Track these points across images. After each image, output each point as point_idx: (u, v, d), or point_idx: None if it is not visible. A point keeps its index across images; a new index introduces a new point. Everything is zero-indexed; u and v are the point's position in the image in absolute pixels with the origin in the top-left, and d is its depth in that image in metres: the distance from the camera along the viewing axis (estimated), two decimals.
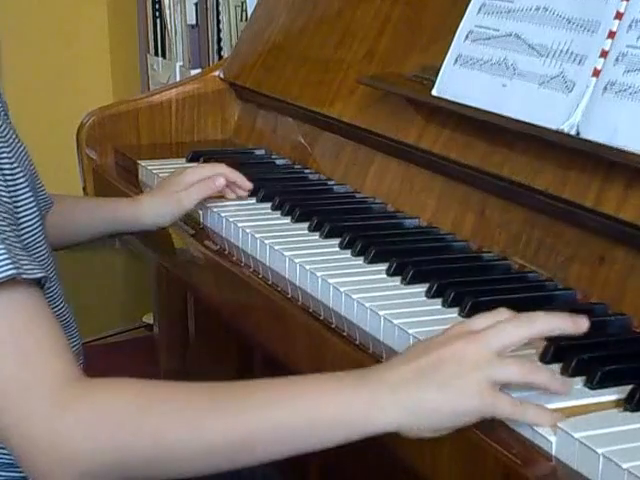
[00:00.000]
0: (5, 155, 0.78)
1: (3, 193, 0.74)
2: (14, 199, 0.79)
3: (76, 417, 0.66)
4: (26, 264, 0.70)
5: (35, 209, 0.83)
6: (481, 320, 0.71)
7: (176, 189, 1.15)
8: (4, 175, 0.77)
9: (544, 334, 0.71)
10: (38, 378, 0.67)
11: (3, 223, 0.71)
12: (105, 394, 0.68)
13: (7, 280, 0.68)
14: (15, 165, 0.80)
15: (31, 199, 0.82)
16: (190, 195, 1.15)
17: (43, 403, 0.67)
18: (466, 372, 0.67)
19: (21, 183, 0.81)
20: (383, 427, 0.67)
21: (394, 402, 0.66)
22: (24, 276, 0.69)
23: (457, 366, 0.67)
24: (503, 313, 0.72)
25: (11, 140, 0.82)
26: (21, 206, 0.80)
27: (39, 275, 0.70)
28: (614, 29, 0.93)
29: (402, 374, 0.67)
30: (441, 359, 0.67)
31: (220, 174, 1.16)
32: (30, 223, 0.82)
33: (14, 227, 0.73)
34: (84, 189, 1.55)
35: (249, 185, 1.19)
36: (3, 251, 0.69)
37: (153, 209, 1.15)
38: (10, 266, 0.68)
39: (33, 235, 0.83)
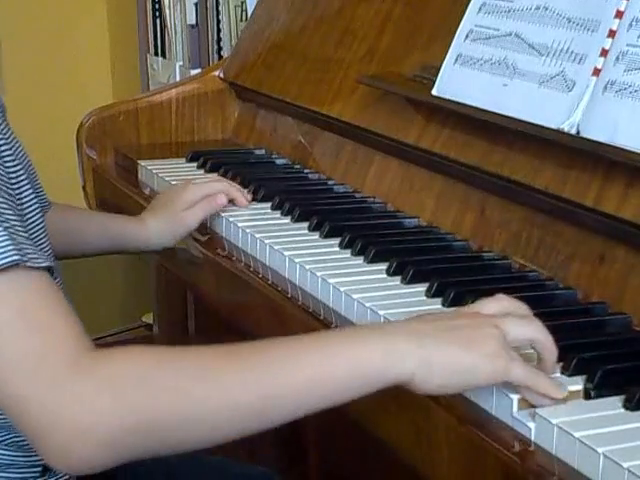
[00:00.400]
0: (8, 154, 0.79)
1: (9, 187, 0.75)
2: (18, 197, 0.79)
3: (95, 383, 0.65)
4: (30, 253, 0.70)
5: (37, 207, 0.84)
6: (489, 305, 0.73)
7: (179, 208, 1.14)
8: (8, 173, 0.77)
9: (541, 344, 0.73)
10: (53, 348, 0.66)
11: (9, 212, 0.72)
12: (122, 358, 0.67)
13: (12, 266, 0.68)
14: (17, 163, 0.81)
15: (33, 197, 0.83)
16: (194, 215, 1.14)
17: (61, 372, 0.65)
18: (483, 335, 0.69)
19: (22, 180, 0.82)
20: (397, 375, 0.67)
21: (410, 351, 0.67)
22: (28, 264, 0.69)
23: (474, 330, 0.69)
24: (503, 299, 0.74)
25: (10, 139, 0.82)
26: (24, 203, 0.81)
27: (44, 264, 0.71)
28: (614, 28, 0.93)
29: (420, 328, 0.69)
30: (458, 324, 0.70)
31: (220, 191, 1.16)
32: (33, 220, 0.83)
33: (21, 219, 0.74)
34: (84, 188, 1.55)
35: (247, 201, 1.19)
36: (5, 238, 0.69)
37: (158, 230, 1.14)
38: (13, 252, 0.69)
39: (36, 232, 0.83)
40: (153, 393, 0.65)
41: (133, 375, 0.66)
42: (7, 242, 0.69)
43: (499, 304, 0.74)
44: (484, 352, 0.68)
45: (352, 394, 0.67)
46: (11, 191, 0.76)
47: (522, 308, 0.75)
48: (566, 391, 0.71)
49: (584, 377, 0.74)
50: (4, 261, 0.68)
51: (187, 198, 1.15)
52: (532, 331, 0.72)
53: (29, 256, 0.70)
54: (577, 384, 0.74)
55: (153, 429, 0.65)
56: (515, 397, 0.71)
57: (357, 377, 0.67)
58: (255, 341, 0.68)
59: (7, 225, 0.70)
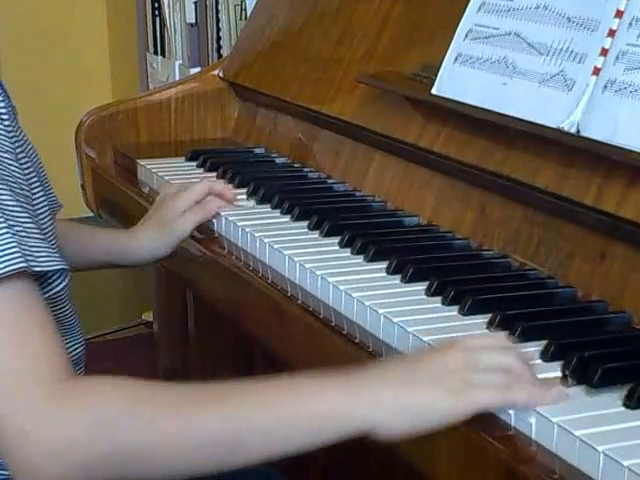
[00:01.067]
0: (22, 155, 0.80)
1: (17, 190, 0.75)
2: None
3: (72, 411, 0.67)
4: (42, 256, 0.71)
5: (47, 208, 0.84)
6: (473, 338, 0.74)
7: (169, 218, 1.13)
8: (22, 170, 0.78)
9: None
10: (36, 370, 0.68)
11: (21, 214, 0.72)
12: (98, 391, 0.69)
13: (16, 272, 0.69)
14: (29, 165, 0.81)
15: (43, 198, 0.84)
16: (184, 223, 1.13)
17: (41, 394, 0.68)
18: (444, 372, 0.69)
19: (34, 182, 0.82)
20: (358, 427, 0.68)
21: (371, 401, 0.68)
22: (36, 269, 0.70)
23: (436, 368, 0.69)
24: (485, 337, 0.76)
25: (23, 141, 0.83)
26: (36, 205, 0.81)
27: (58, 267, 0.72)
28: (614, 27, 0.93)
29: (380, 376, 0.70)
30: (419, 365, 0.70)
31: (204, 191, 1.15)
32: (43, 222, 0.83)
33: (37, 222, 0.74)
34: (83, 188, 1.55)
35: (232, 195, 1.18)
36: (14, 244, 0.70)
37: (150, 241, 1.14)
38: (20, 259, 0.69)
39: (47, 234, 0.84)
40: (125, 427, 0.67)
41: (108, 408, 0.68)
42: (15, 248, 0.70)
43: (480, 339, 0.74)
44: (445, 388, 0.68)
45: (315, 442, 0.68)
46: (28, 193, 0.76)
47: (502, 341, 0.75)
48: (557, 394, 0.70)
49: (584, 375, 0.74)
50: (9, 269, 0.69)
51: (175, 206, 1.14)
52: (504, 357, 0.71)
53: (39, 260, 0.70)
54: (577, 381, 0.74)
55: (123, 460, 0.68)
56: None
57: (318, 428, 0.68)
58: (228, 383, 0.70)
59: (19, 229, 0.71)
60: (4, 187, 0.72)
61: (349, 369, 0.71)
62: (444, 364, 0.69)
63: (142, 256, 1.15)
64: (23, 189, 0.76)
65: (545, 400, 0.69)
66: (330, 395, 0.68)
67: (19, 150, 0.79)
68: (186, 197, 1.15)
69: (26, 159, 0.81)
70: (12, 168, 0.75)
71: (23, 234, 0.71)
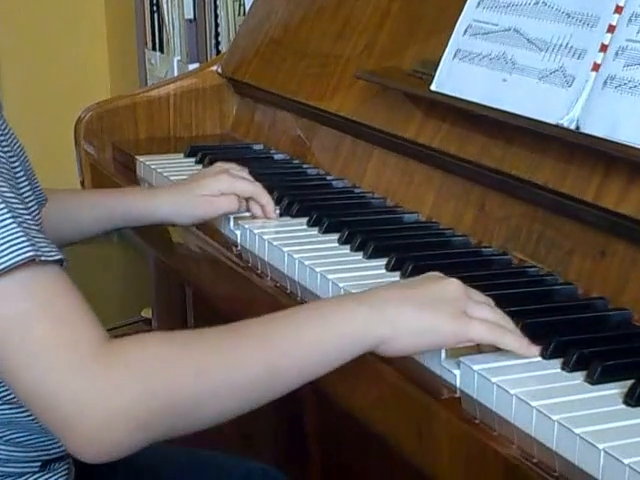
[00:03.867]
0: (7, 149, 0.79)
1: (12, 182, 0.75)
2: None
3: (121, 371, 0.68)
4: (44, 246, 0.71)
5: (35, 202, 0.84)
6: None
7: (204, 191, 1.09)
8: (10, 164, 0.77)
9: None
10: (78, 339, 0.68)
11: (20, 206, 0.72)
12: (141, 346, 0.70)
13: (28, 261, 0.69)
14: (14, 159, 0.81)
15: (30, 193, 0.83)
16: (219, 205, 1.09)
17: (88, 361, 0.68)
18: (444, 297, 0.75)
19: (21, 176, 0.81)
20: (373, 341, 0.73)
21: (376, 318, 0.73)
22: (42, 258, 0.70)
23: (436, 292, 0.75)
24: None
25: (8, 135, 0.82)
26: (24, 198, 0.80)
27: (57, 257, 0.72)
28: (614, 23, 0.93)
29: (385, 295, 0.75)
30: (422, 288, 0.76)
31: (252, 194, 1.11)
32: (32, 215, 0.82)
33: (30, 213, 0.74)
34: (82, 184, 1.54)
35: (272, 215, 1.12)
36: (21, 234, 0.70)
37: (170, 204, 1.09)
38: (29, 247, 0.69)
39: (37, 226, 0.83)
40: (175, 376, 0.69)
41: (155, 361, 0.69)
42: (22, 238, 0.70)
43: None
44: (445, 312, 0.74)
45: (340, 361, 0.73)
46: (16, 188, 0.76)
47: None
48: (537, 352, 0.75)
49: (584, 373, 0.74)
50: (21, 257, 0.69)
51: (215, 186, 1.09)
52: (487, 299, 0.78)
53: (43, 250, 0.71)
54: (577, 379, 0.74)
55: (178, 409, 0.69)
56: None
57: (343, 348, 0.73)
58: (256, 318, 0.73)
59: (21, 220, 0.71)
60: (2, 180, 0.72)
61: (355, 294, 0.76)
62: (444, 292, 0.75)
63: (158, 217, 1.10)
64: (15, 182, 0.76)
65: (529, 353, 0.75)
66: (349, 317, 0.73)
67: (5, 144, 0.78)
68: (229, 185, 1.10)
69: (11, 152, 0.81)
70: (3, 161, 0.75)
71: (25, 225, 0.71)
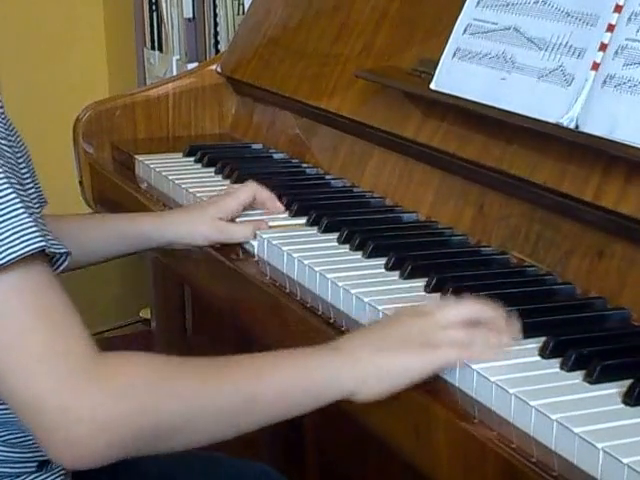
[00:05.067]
0: (15, 147, 0.79)
1: (20, 179, 0.75)
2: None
3: (112, 384, 0.69)
4: (51, 239, 0.72)
5: (37, 202, 0.84)
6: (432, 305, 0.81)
7: (216, 214, 1.08)
8: (16, 160, 0.78)
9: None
10: (72, 347, 0.69)
11: (27, 199, 0.73)
12: (134, 363, 0.72)
13: (36, 252, 0.70)
14: (19, 155, 0.81)
15: (33, 191, 0.83)
16: (243, 230, 1.08)
17: (80, 371, 0.69)
18: (409, 334, 0.77)
19: (25, 175, 0.82)
20: (341, 392, 0.76)
21: (354, 369, 0.76)
22: (51, 250, 0.71)
23: (402, 332, 0.77)
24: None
25: (13, 132, 0.82)
26: (28, 194, 0.81)
27: (64, 250, 0.72)
28: (613, 22, 0.93)
29: (356, 346, 0.77)
30: (388, 331, 0.78)
31: (252, 197, 1.11)
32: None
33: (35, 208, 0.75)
34: (80, 183, 1.54)
35: (276, 206, 1.13)
36: (32, 224, 0.70)
37: (182, 223, 1.08)
38: (40, 239, 0.70)
39: None
40: (161, 398, 0.71)
41: (145, 381, 0.71)
42: (34, 228, 0.70)
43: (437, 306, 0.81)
44: (412, 350, 0.76)
45: (313, 406, 0.76)
46: (22, 185, 0.76)
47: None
48: (510, 344, 0.77)
49: (583, 372, 0.74)
50: (32, 247, 0.69)
51: (223, 210, 1.08)
52: (465, 308, 0.79)
53: (51, 242, 0.71)
54: (576, 378, 0.74)
55: (161, 431, 0.71)
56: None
57: (317, 394, 0.76)
58: (240, 355, 0.77)
59: (31, 212, 0.71)
60: (9, 172, 0.73)
61: (323, 344, 0.79)
62: (408, 329, 0.77)
63: (167, 239, 1.08)
64: (20, 179, 0.76)
65: (508, 340, 0.77)
66: (324, 364, 0.76)
67: (11, 141, 0.79)
68: (234, 202, 1.09)
69: (17, 149, 0.81)
70: (8, 155, 0.75)
71: (35, 216, 0.72)
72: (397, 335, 0.77)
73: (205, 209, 1.10)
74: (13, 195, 0.71)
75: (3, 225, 0.70)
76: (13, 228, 0.70)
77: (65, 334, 0.70)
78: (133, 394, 0.70)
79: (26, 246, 0.69)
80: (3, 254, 0.69)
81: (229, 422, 0.74)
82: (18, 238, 0.69)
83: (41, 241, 0.70)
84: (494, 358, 0.75)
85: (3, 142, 0.75)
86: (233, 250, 1.10)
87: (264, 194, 1.13)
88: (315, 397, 0.76)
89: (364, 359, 0.76)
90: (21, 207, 0.71)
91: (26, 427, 0.71)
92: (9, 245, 0.69)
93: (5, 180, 0.71)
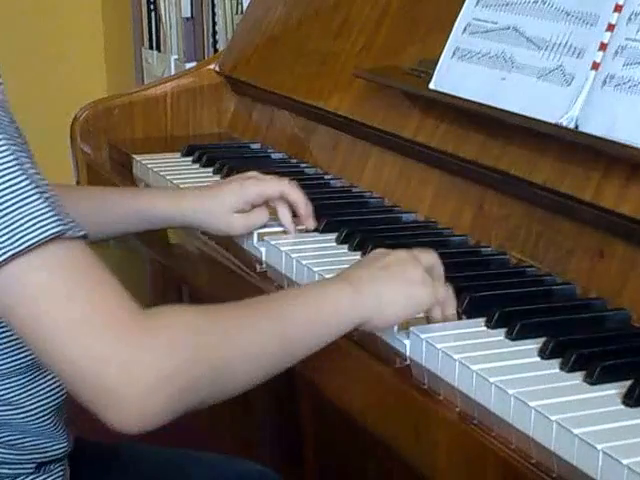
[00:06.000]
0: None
1: (34, 161, 0.75)
2: None
3: (163, 337, 0.70)
4: (71, 221, 0.72)
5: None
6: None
7: (228, 201, 1.05)
8: (27, 151, 0.77)
9: None
10: (117, 306, 0.70)
11: (44, 182, 0.73)
12: (179, 315, 0.73)
13: (58, 236, 0.70)
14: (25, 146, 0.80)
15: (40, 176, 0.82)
16: (246, 223, 1.05)
17: (130, 329, 0.69)
18: (409, 268, 0.83)
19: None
20: (360, 316, 0.80)
21: (360, 297, 0.80)
22: (70, 233, 0.71)
23: (401, 265, 0.83)
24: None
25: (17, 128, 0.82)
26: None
27: (82, 233, 0.72)
28: (613, 22, 0.92)
29: (361, 276, 0.82)
30: (387, 263, 0.83)
31: (280, 192, 1.06)
32: None
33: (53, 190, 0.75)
34: (77, 183, 1.54)
35: (307, 212, 1.07)
36: (49, 209, 0.70)
37: (194, 212, 1.05)
38: (57, 223, 0.70)
39: None
40: (210, 345, 0.73)
41: (193, 331, 0.72)
42: (51, 213, 0.70)
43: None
44: (415, 280, 0.82)
45: (335, 334, 0.80)
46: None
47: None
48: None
49: (583, 373, 0.74)
50: (50, 232, 0.69)
51: (243, 194, 1.05)
52: (432, 257, 0.86)
53: (71, 224, 0.71)
54: (575, 379, 0.73)
55: (214, 376, 0.72)
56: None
57: (337, 322, 0.80)
58: (265, 296, 0.82)
59: (47, 195, 0.71)
60: (24, 155, 0.72)
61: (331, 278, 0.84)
62: (405, 262, 0.83)
63: (177, 222, 1.06)
64: (34, 162, 0.76)
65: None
66: (337, 295, 0.80)
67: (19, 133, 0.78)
68: (256, 189, 1.06)
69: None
70: (19, 140, 0.74)
71: (52, 200, 0.72)
72: (394, 267, 0.82)
73: (223, 200, 1.05)
74: (27, 181, 0.70)
75: (19, 212, 0.70)
76: (29, 214, 0.69)
77: (111, 297, 0.70)
78: (185, 345, 0.70)
79: (43, 232, 0.69)
80: (20, 240, 0.69)
81: (271, 360, 0.76)
82: (34, 224, 0.69)
83: (58, 226, 0.70)
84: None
85: (15, 133, 0.74)
86: (230, 250, 1.10)
87: (295, 195, 1.07)
88: (338, 327, 0.79)
89: (371, 290, 0.80)
90: (36, 192, 0.70)
91: (80, 399, 0.70)
92: (26, 232, 0.69)
93: (18, 167, 0.71)
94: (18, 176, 0.70)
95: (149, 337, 0.69)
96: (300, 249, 1.02)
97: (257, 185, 1.07)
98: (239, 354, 0.74)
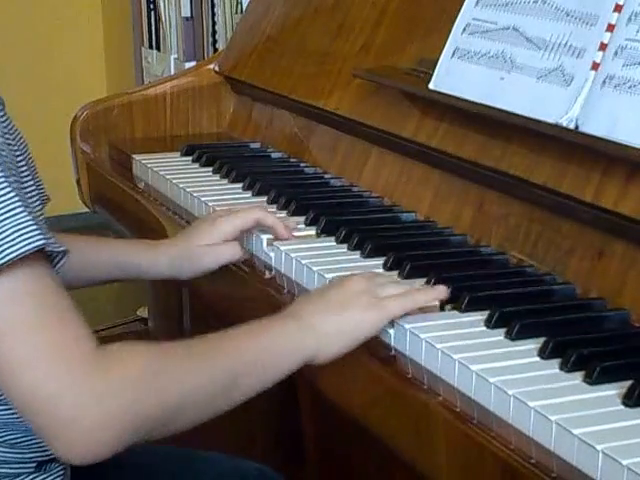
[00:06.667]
0: (14, 147, 0.79)
1: (18, 178, 0.76)
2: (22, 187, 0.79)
3: (116, 375, 0.72)
4: (50, 237, 0.72)
5: (37, 199, 0.84)
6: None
7: (201, 241, 1.02)
8: (15, 159, 0.78)
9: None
10: (76, 345, 0.71)
11: (26, 198, 0.73)
12: (134, 354, 0.75)
13: (37, 251, 0.71)
14: (18, 154, 0.81)
15: (33, 188, 0.83)
16: (215, 255, 1.02)
17: (86, 364, 0.71)
18: (352, 294, 0.83)
19: (25, 174, 0.81)
20: (307, 354, 0.81)
21: (314, 333, 0.81)
22: (50, 248, 0.72)
23: (344, 293, 0.83)
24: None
25: (13, 131, 0.82)
26: (27, 194, 0.80)
27: (62, 248, 0.73)
28: (613, 22, 0.92)
29: (307, 310, 0.83)
30: (330, 294, 0.84)
31: (253, 224, 1.03)
32: (35, 210, 0.82)
33: (33, 207, 0.75)
34: (78, 183, 1.54)
35: (285, 231, 1.04)
36: (32, 222, 0.71)
37: (170, 259, 1.02)
38: (39, 237, 0.71)
39: None
40: (162, 385, 0.75)
41: (145, 370, 0.74)
42: (33, 227, 0.71)
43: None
44: (359, 306, 0.82)
45: (284, 372, 0.81)
46: (20, 184, 0.76)
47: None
48: (444, 293, 0.85)
49: (583, 373, 0.74)
50: (32, 245, 0.70)
51: (215, 232, 1.02)
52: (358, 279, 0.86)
53: (49, 240, 0.72)
54: (575, 379, 0.73)
55: (162, 415, 0.75)
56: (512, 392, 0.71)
57: (283, 362, 0.81)
58: (216, 334, 0.81)
59: (30, 210, 0.72)
60: (7, 171, 0.73)
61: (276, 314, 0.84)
62: (351, 289, 0.83)
63: (161, 273, 1.04)
64: (18, 178, 0.76)
65: (442, 295, 0.85)
66: (288, 335, 0.81)
67: (10, 140, 0.79)
68: (228, 224, 1.03)
69: (16, 148, 0.81)
70: (4, 153, 0.74)
71: (34, 215, 0.72)
72: (343, 296, 0.83)
73: (190, 239, 1.03)
74: (12, 194, 0.71)
75: (3, 224, 0.70)
76: (13, 226, 0.70)
77: (70, 332, 0.72)
78: (137, 384, 0.73)
79: (27, 244, 0.70)
80: (4, 252, 0.69)
81: (220, 400, 0.78)
82: (19, 236, 0.70)
83: (41, 239, 0.70)
84: (432, 300, 0.84)
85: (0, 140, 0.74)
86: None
87: (269, 220, 1.04)
88: (286, 365, 0.81)
89: (318, 323, 0.81)
90: (20, 205, 0.71)
91: (32, 426, 0.73)
92: (10, 244, 0.69)
93: (3, 179, 0.71)
94: (3, 188, 0.71)
95: (102, 376, 0.71)
96: (299, 248, 1.02)
97: (229, 221, 1.04)
98: (189, 396, 0.76)
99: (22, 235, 0.70)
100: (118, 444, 0.72)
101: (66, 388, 0.70)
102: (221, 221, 1.04)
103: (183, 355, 0.77)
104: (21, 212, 0.71)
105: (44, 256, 0.72)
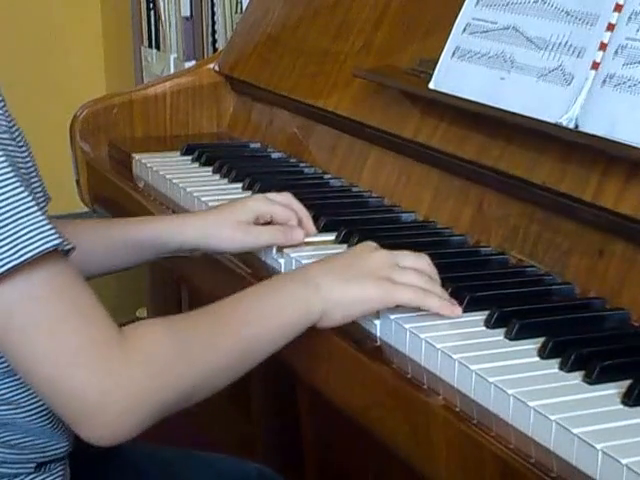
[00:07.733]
0: (23, 146, 0.80)
1: (27, 177, 0.76)
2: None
3: (139, 361, 0.74)
4: (62, 235, 0.73)
5: (42, 198, 0.84)
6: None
7: (238, 217, 0.99)
8: (23, 159, 0.78)
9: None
10: (101, 330, 0.73)
11: (34, 197, 0.74)
12: (154, 338, 0.76)
13: (52, 252, 0.71)
14: (25, 154, 0.81)
15: (40, 188, 0.84)
16: (258, 235, 0.99)
17: (111, 351, 0.73)
18: (370, 267, 0.83)
19: (32, 170, 0.81)
20: (310, 317, 0.82)
21: (313, 297, 0.81)
22: (66, 246, 0.73)
23: (362, 264, 0.83)
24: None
25: (14, 129, 0.82)
26: (35, 190, 0.81)
27: (70, 246, 0.74)
28: (613, 22, 0.93)
29: (316, 273, 0.83)
30: (349, 261, 0.84)
31: (287, 219, 1.01)
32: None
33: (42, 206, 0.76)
34: (77, 182, 1.54)
35: (313, 229, 1.04)
36: (46, 222, 0.72)
37: (199, 226, 0.99)
38: (55, 236, 0.72)
39: None
40: (182, 367, 0.77)
41: (165, 353, 0.76)
42: (49, 226, 0.72)
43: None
44: (369, 281, 0.82)
45: (294, 333, 0.82)
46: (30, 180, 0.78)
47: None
48: (458, 313, 0.82)
49: (582, 373, 0.74)
50: (49, 244, 0.71)
51: (250, 209, 1.00)
52: (423, 263, 0.85)
53: (62, 238, 0.73)
54: (575, 379, 0.73)
55: (182, 394, 0.77)
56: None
57: (294, 323, 0.82)
58: (224, 301, 0.83)
59: (43, 210, 0.73)
60: (18, 171, 0.73)
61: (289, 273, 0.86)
62: (368, 263, 0.83)
63: (183, 241, 0.99)
64: (27, 177, 0.77)
65: (452, 313, 0.82)
66: (290, 298, 0.82)
67: (19, 139, 0.79)
68: (267, 203, 1.01)
69: (24, 148, 0.81)
70: (15, 153, 0.75)
71: (46, 214, 0.73)
72: (359, 266, 0.83)
73: (220, 213, 1.01)
74: (25, 193, 0.72)
75: (18, 223, 0.71)
76: (29, 226, 0.71)
77: (92, 322, 0.73)
78: (159, 367, 0.75)
79: (44, 243, 0.71)
80: (22, 252, 0.70)
81: (238, 365, 0.80)
82: (35, 236, 0.71)
83: (57, 238, 0.72)
84: (440, 310, 0.82)
85: (7, 141, 0.75)
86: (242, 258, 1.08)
87: (302, 212, 1.03)
88: (291, 328, 0.82)
89: (327, 287, 0.81)
90: (34, 205, 0.72)
91: (57, 412, 0.75)
92: (27, 243, 0.70)
93: (16, 179, 0.72)
94: (17, 187, 0.71)
95: (126, 363, 0.73)
96: (299, 249, 1.02)
97: (265, 202, 1.02)
98: (208, 372, 0.79)
99: (38, 235, 0.71)
100: (142, 425, 0.74)
101: (92, 376, 0.72)
102: (260, 200, 1.02)
103: (201, 331, 0.79)
104: (35, 211, 0.71)
105: (58, 251, 0.73)
